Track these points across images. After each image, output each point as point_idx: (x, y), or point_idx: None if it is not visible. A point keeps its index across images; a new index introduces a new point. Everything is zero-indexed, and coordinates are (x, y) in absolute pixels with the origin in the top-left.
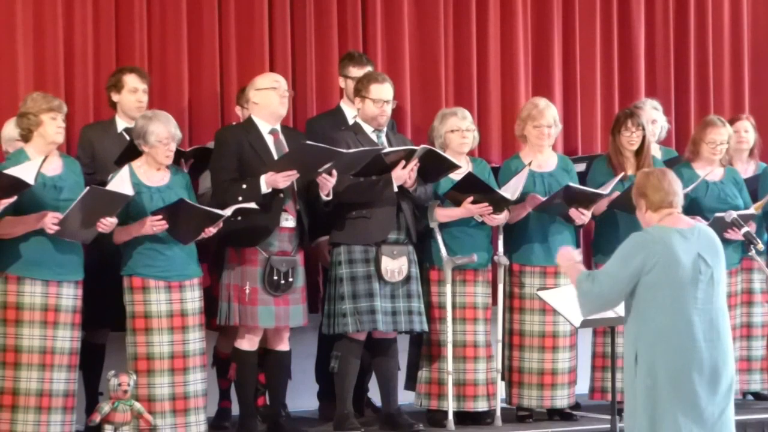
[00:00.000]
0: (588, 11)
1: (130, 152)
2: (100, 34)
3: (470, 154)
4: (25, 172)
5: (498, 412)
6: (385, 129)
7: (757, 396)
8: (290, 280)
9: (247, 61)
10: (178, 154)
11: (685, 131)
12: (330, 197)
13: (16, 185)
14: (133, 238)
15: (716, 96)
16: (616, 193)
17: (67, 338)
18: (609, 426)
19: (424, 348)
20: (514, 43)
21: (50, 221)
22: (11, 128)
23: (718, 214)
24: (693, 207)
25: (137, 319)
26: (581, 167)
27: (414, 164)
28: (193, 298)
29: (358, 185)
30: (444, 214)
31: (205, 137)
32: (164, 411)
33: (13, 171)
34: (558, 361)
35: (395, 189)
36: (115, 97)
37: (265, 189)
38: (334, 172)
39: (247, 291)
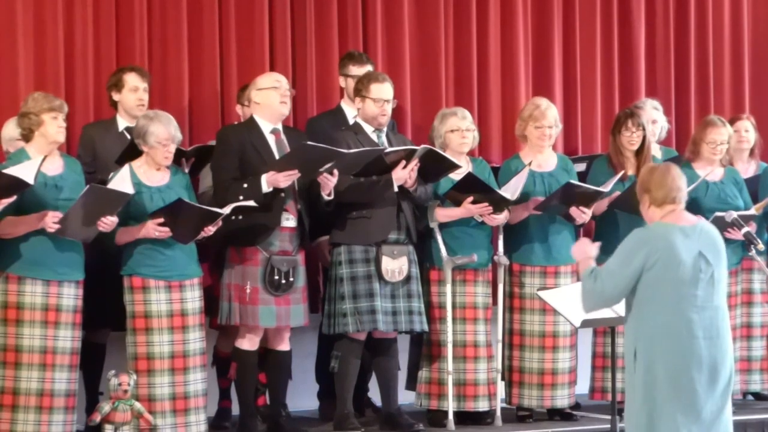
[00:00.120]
0: (588, 11)
1: (131, 151)
2: (100, 34)
3: (470, 154)
4: (24, 171)
5: (498, 412)
6: (385, 129)
7: (758, 396)
8: (291, 279)
9: (248, 60)
10: (179, 153)
11: (686, 131)
12: (331, 197)
13: (16, 185)
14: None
15: (716, 96)
16: (617, 193)
17: (67, 338)
18: (609, 426)
19: (425, 348)
20: (514, 43)
21: (51, 220)
22: (12, 128)
23: (718, 214)
24: (693, 207)
25: (137, 318)
26: (581, 167)
27: (414, 164)
28: (193, 298)
29: (359, 185)
30: (444, 214)
31: (205, 136)
32: (164, 411)
33: (12, 170)
34: (558, 361)
35: (395, 189)
36: (115, 97)
37: (266, 188)
38: (336, 171)
39: (248, 290)
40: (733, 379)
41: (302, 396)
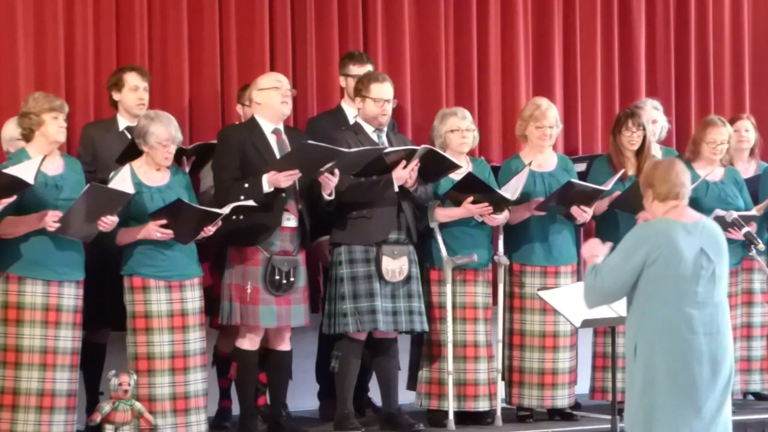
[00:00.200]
0: (588, 11)
1: (132, 151)
2: (100, 34)
3: (470, 153)
4: (24, 171)
5: (498, 412)
6: (385, 129)
7: (758, 396)
8: (292, 279)
9: (248, 60)
10: (180, 152)
11: (686, 131)
12: (332, 197)
13: (16, 185)
14: None
15: (717, 96)
16: (617, 193)
17: (68, 338)
18: (609, 426)
19: (425, 348)
20: (514, 43)
21: (51, 219)
22: (12, 128)
23: (719, 213)
24: (693, 207)
25: (138, 318)
26: (582, 167)
27: (415, 164)
28: (193, 298)
29: (359, 185)
30: (444, 214)
31: (205, 136)
32: (165, 411)
33: (12, 170)
34: (558, 361)
35: (396, 189)
36: (116, 96)
37: (267, 188)
38: (337, 171)
39: (249, 290)
40: (733, 375)
41: (302, 396)
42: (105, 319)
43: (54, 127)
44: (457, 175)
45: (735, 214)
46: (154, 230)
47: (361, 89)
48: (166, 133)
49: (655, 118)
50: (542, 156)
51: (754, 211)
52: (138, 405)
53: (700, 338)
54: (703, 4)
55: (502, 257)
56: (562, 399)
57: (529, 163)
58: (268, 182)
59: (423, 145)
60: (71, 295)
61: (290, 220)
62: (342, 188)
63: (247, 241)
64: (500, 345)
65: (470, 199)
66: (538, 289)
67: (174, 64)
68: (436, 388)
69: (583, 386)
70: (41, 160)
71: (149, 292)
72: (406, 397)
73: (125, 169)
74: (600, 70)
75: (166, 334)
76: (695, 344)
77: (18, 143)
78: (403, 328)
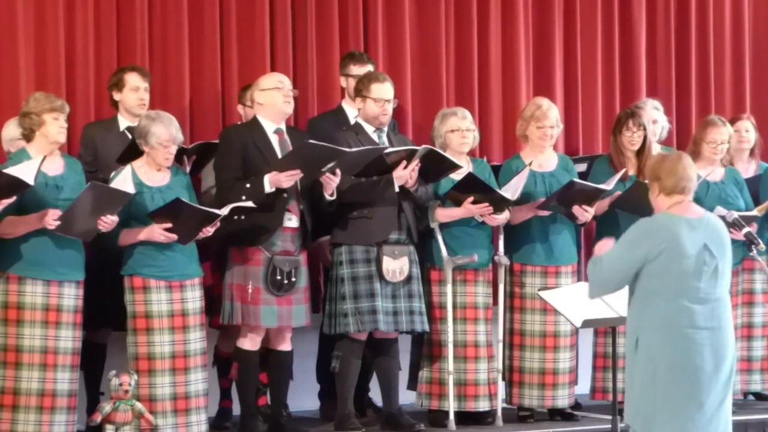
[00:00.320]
0: (589, 11)
1: (132, 151)
2: (101, 34)
3: (471, 153)
4: (24, 171)
5: (499, 412)
6: (386, 129)
7: (758, 396)
8: (293, 280)
9: (249, 60)
10: (181, 151)
11: (686, 131)
12: (334, 197)
13: (16, 185)
14: None
15: (717, 96)
16: (618, 193)
17: (68, 338)
18: (610, 426)
19: (425, 348)
20: (515, 43)
21: (51, 218)
22: (13, 128)
23: (720, 213)
24: None
25: (138, 319)
26: (582, 167)
27: (415, 164)
28: (194, 298)
29: (360, 185)
30: (444, 214)
31: (206, 136)
32: (165, 411)
33: (12, 171)
34: (559, 361)
35: (396, 189)
36: (116, 96)
37: (268, 188)
38: (338, 171)
39: (250, 290)
40: (734, 369)
41: (303, 396)
42: (105, 319)
43: (55, 128)
44: (457, 175)
45: (736, 214)
46: (159, 233)
47: (361, 89)
48: (167, 133)
49: (655, 118)
50: (543, 156)
51: (755, 212)
52: (138, 405)
53: (702, 333)
54: (703, 4)
55: (502, 257)
56: (563, 399)
57: (530, 163)
58: (269, 182)
59: (423, 146)
60: (71, 295)
61: (292, 221)
62: (343, 188)
63: (248, 241)
64: (500, 345)
65: (470, 199)
66: (539, 289)
67: (174, 64)
68: (436, 388)
69: (583, 386)
70: (41, 161)
71: (150, 292)
72: (406, 397)
73: (126, 170)
74: (601, 70)
75: (167, 334)
76: (697, 339)
77: (19, 143)
78: (403, 329)
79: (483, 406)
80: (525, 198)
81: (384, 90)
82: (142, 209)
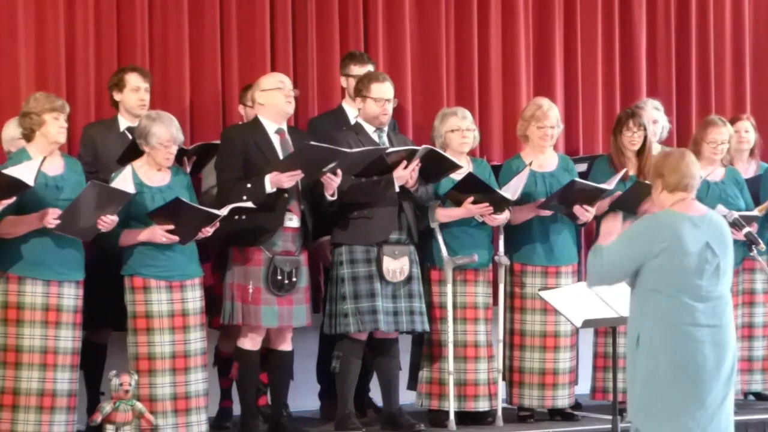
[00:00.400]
0: (589, 11)
1: (132, 151)
2: (101, 34)
3: (471, 153)
4: (24, 172)
5: (499, 412)
6: (386, 129)
7: (759, 396)
8: (294, 280)
9: (249, 60)
10: (181, 152)
11: (687, 131)
12: (335, 197)
13: (16, 186)
14: None
15: (717, 96)
16: (618, 193)
17: (68, 338)
18: (610, 426)
19: (425, 348)
20: (515, 43)
21: (51, 216)
22: (13, 128)
23: (721, 212)
24: None
25: (138, 319)
26: (583, 167)
27: (415, 164)
28: (194, 298)
29: (360, 185)
30: (445, 214)
31: (206, 136)
32: (165, 411)
33: (12, 171)
34: (559, 361)
35: (397, 189)
36: (117, 96)
37: (269, 188)
38: (339, 171)
39: (251, 290)
40: (736, 366)
41: (303, 396)
42: (105, 320)
43: (55, 128)
44: (457, 175)
45: (736, 214)
46: (160, 234)
47: (361, 89)
48: (167, 133)
49: (656, 118)
50: (543, 156)
51: (755, 212)
52: (139, 405)
53: (703, 330)
54: (704, 4)
55: (502, 257)
56: (563, 399)
57: (530, 163)
58: (270, 182)
59: (424, 145)
60: (71, 295)
61: (292, 221)
62: (343, 188)
63: (249, 241)
64: (501, 345)
65: (471, 199)
66: (539, 289)
67: (175, 65)
68: (436, 388)
69: (584, 386)
70: (41, 161)
71: (150, 292)
72: (407, 397)
73: (127, 170)
74: (601, 70)
75: (167, 334)
76: (698, 336)
77: (19, 143)
78: (404, 329)
79: (483, 406)
80: (525, 198)
81: (384, 89)
82: (142, 209)
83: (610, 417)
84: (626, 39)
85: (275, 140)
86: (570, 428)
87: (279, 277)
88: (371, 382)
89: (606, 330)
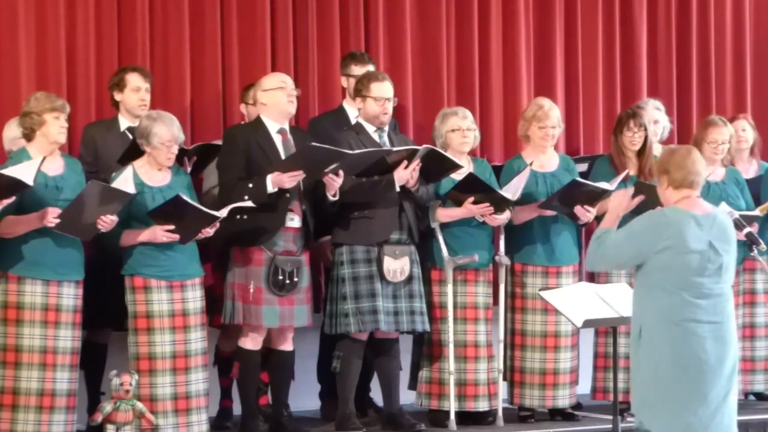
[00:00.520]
0: (590, 11)
1: (133, 151)
2: (102, 34)
3: (471, 153)
4: (24, 172)
5: (500, 412)
6: (386, 128)
7: (760, 396)
8: (295, 280)
9: (250, 60)
10: (182, 152)
11: (687, 131)
12: (337, 198)
13: (16, 186)
14: None
15: (718, 95)
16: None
17: (68, 338)
18: (611, 426)
19: (425, 348)
20: (516, 43)
21: (51, 215)
22: (14, 128)
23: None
24: None
25: (139, 318)
26: (583, 167)
27: (416, 164)
28: (194, 298)
29: (361, 185)
30: (445, 214)
31: (207, 137)
32: (166, 411)
33: (11, 171)
34: (560, 361)
35: (397, 189)
36: (117, 96)
37: (271, 188)
38: (341, 172)
39: (252, 290)
40: (738, 362)
41: (304, 396)
42: (106, 319)
43: (55, 128)
44: (458, 175)
45: (737, 215)
46: (161, 234)
47: (361, 89)
48: (169, 133)
49: (656, 118)
50: (544, 156)
51: (756, 212)
52: (139, 405)
53: (705, 327)
54: (704, 4)
55: (503, 257)
56: (564, 399)
57: (531, 163)
58: (272, 182)
59: (424, 145)
60: (71, 295)
61: (294, 221)
62: (344, 188)
63: (250, 241)
64: (501, 345)
65: (471, 199)
66: (540, 290)
67: (175, 65)
68: (436, 388)
69: (584, 386)
70: (41, 161)
71: (150, 292)
72: (408, 397)
73: (128, 170)
74: (601, 70)
75: (168, 334)
76: (700, 332)
77: (20, 143)
78: (404, 329)
79: (483, 406)
80: (526, 198)
81: (384, 89)
82: (143, 209)
83: (610, 417)
84: (627, 39)
85: (277, 140)
86: (570, 428)
87: (280, 277)
88: (372, 382)
89: (606, 330)
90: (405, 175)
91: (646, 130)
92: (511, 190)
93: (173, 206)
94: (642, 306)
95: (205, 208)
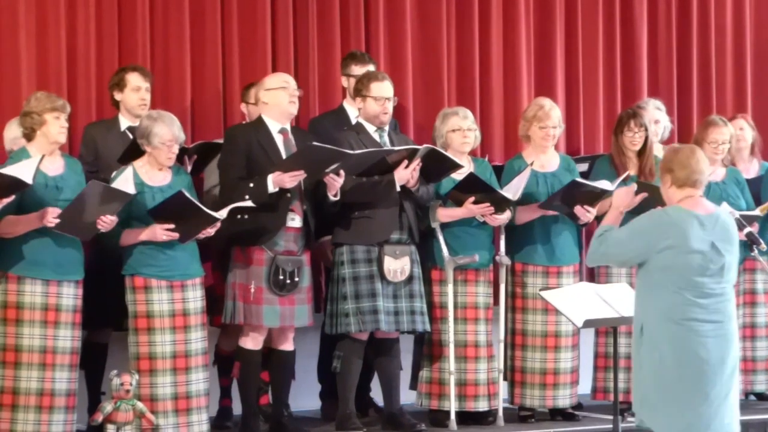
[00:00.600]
0: (590, 11)
1: (133, 151)
2: (102, 34)
3: (472, 153)
4: (23, 170)
5: (500, 412)
6: (387, 128)
7: (760, 396)
8: (296, 279)
9: (250, 60)
10: (182, 151)
11: (688, 131)
12: (338, 198)
13: (15, 185)
14: None
15: (719, 95)
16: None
17: (67, 338)
18: (611, 426)
19: (425, 348)
20: (516, 43)
21: (51, 215)
22: (15, 127)
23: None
24: None
25: (139, 318)
26: (584, 167)
27: (416, 164)
28: (195, 298)
29: (361, 185)
30: (446, 214)
31: (207, 136)
32: (166, 410)
33: (10, 169)
34: (560, 361)
35: (398, 189)
36: (117, 96)
37: (272, 188)
38: (342, 172)
39: (252, 290)
40: (739, 361)
41: (304, 396)
42: (106, 319)
43: (56, 127)
44: (458, 175)
45: (737, 214)
46: (161, 233)
47: (361, 89)
48: (169, 133)
49: (657, 118)
50: (545, 156)
51: (757, 211)
52: (140, 405)
53: (706, 326)
54: (705, 4)
55: (503, 257)
56: (564, 399)
57: (531, 163)
58: (273, 182)
59: (425, 145)
60: (70, 295)
61: (295, 221)
62: (344, 188)
63: (251, 240)
64: (502, 345)
65: (472, 199)
66: (540, 289)
67: (176, 64)
68: (436, 388)
69: (584, 386)
70: (40, 159)
71: (151, 292)
72: (409, 397)
73: (128, 171)
74: (602, 70)
75: (168, 334)
76: (701, 331)
77: (21, 142)
78: (404, 328)
79: (483, 406)
80: (527, 198)
81: (384, 88)
82: (143, 209)
83: (611, 417)
84: (627, 38)
85: (278, 140)
86: (571, 428)
87: (281, 277)
88: (372, 381)
89: (607, 330)
90: (405, 174)
91: (646, 130)
92: (512, 190)
93: (175, 203)
94: (644, 305)
95: (205, 209)
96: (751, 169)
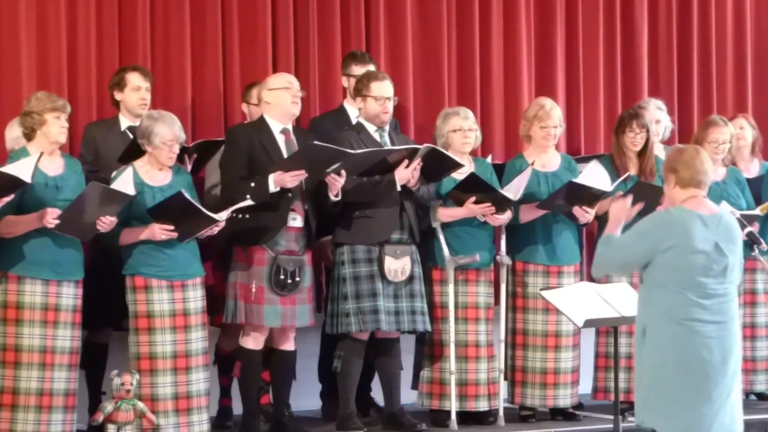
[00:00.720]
0: (591, 11)
1: (133, 151)
2: (103, 33)
3: (473, 153)
4: (21, 169)
5: (501, 412)
6: (387, 128)
7: (761, 396)
8: (297, 279)
9: (250, 60)
10: (182, 150)
11: (688, 131)
12: (339, 197)
13: (14, 183)
14: None
15: (719, 95)
16: (620, 193)
17: (67, 338)
18: (612, 426)
19: (426, 348)
20: (517, 43)
21: (50, 216)
22: (16, 127)
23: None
24: None
25: (140, 318)
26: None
27: (417, 164)
28: (195, 298)
29: (362, 185)
30: (446, 213)
31: (208, 136)
32: (167, 410)
33: (9, 169)
34: (561, 361)
35: (398, 189)
36: (118, 96)
37: (273, 188)
38: (343, 172)
39: (254, 290)
40: (741, 361)
41: (305, 396)
42: (107, 319)
43: (56, 127)
44: (459, 175)
45: (738, 214)
46: (159, 232)
47: (361, 89)
48: (170, 133)
49: (658, 118)
50: (546, 156)
51: (757, 211)
52: (140, 405)
53: (709, 326)
54: (705, 4)
55: (504, 257)
56: (565, 399)
57: (532, 163)
58: (274, 182)
59: (425, 144)
60: (70, 295)
61: (296, 220)
62: (345, 188)
63: (252, 240)
64: (502, 345)
65: (472, 198)
66: (541, 289)
67: (176, 64)
68: (437, 387)
69: (585, 386)
70: (38, 158)
71: (151, 291)
72: (410, 397)
73: (128, 171)
74: (602, 70)
75: (169, 333)
76: (704, 332)
77: (22, 142)
78: (405, 328)
79: (483, 406)
80: (528, 198)
81: (384, 88)
82: (143, 209)
83: (611, 417)
84: (628, 39)
85: (280, 140)
86: (571, 428)
87: (282, 277)
88: (373, 381)
89: (608, 330)
90: (406, 174)
91: (647, 130)
92: (513, 190)
93: (174, 203)
94: (646, 305)
95: (204, 210)
96: (751, 168)
